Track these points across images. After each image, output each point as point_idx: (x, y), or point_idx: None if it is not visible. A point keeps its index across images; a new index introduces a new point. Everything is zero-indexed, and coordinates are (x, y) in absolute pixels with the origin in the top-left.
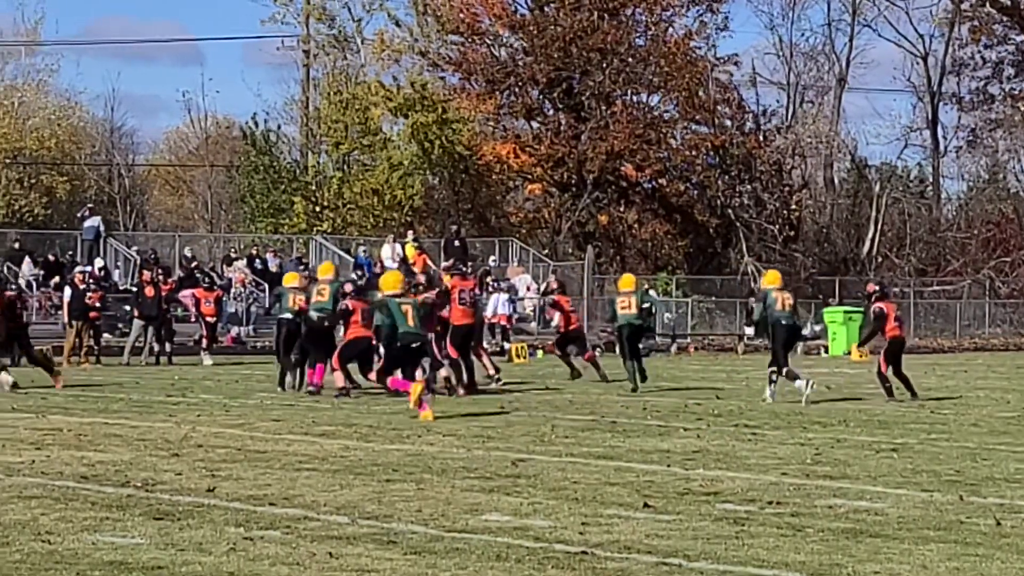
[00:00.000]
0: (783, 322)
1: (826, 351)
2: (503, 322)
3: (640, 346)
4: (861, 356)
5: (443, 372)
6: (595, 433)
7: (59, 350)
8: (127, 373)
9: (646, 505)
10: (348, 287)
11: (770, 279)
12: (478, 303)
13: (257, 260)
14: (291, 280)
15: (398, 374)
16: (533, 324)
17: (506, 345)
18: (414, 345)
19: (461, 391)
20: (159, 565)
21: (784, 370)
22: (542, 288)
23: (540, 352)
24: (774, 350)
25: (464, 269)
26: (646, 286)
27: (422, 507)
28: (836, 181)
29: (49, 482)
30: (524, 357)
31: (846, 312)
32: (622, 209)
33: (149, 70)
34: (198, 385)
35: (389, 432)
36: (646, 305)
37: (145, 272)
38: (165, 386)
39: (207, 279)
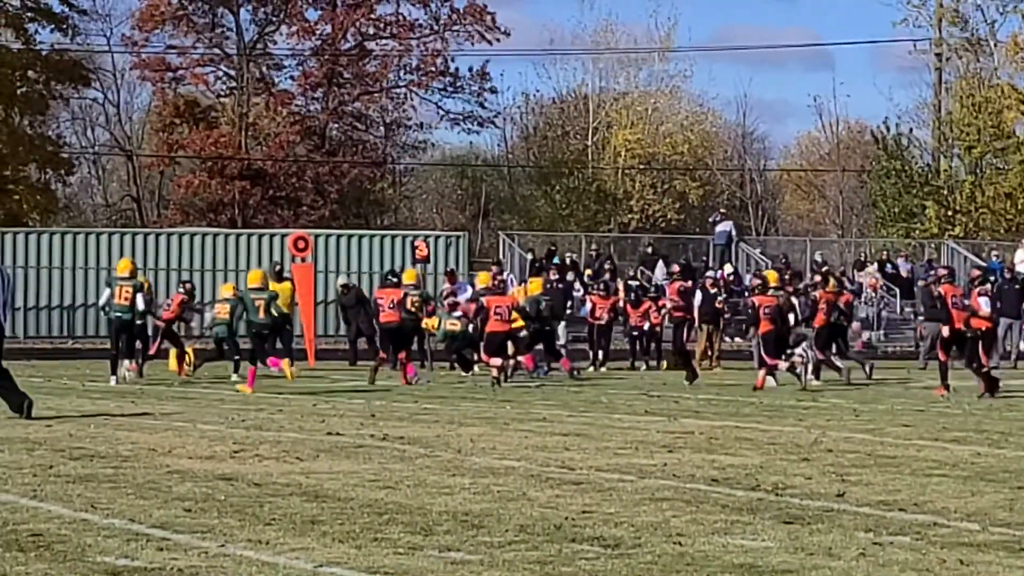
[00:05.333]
0: None
1: None
2: None
3: None
4: None
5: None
6: None
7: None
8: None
9: None
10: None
11: None
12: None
13: (888, 265)
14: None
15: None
16: None
17: None
18: (264, 332)
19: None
20: (789, 569)
21: None
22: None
23: None
24: None
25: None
26: None
27: None
28: None
29: (680, 484)
30: None
31: None
32: None
33: (779, 75)
34: (827, 389)
35: (1022, 438)
36: None
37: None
38: (793, 390)
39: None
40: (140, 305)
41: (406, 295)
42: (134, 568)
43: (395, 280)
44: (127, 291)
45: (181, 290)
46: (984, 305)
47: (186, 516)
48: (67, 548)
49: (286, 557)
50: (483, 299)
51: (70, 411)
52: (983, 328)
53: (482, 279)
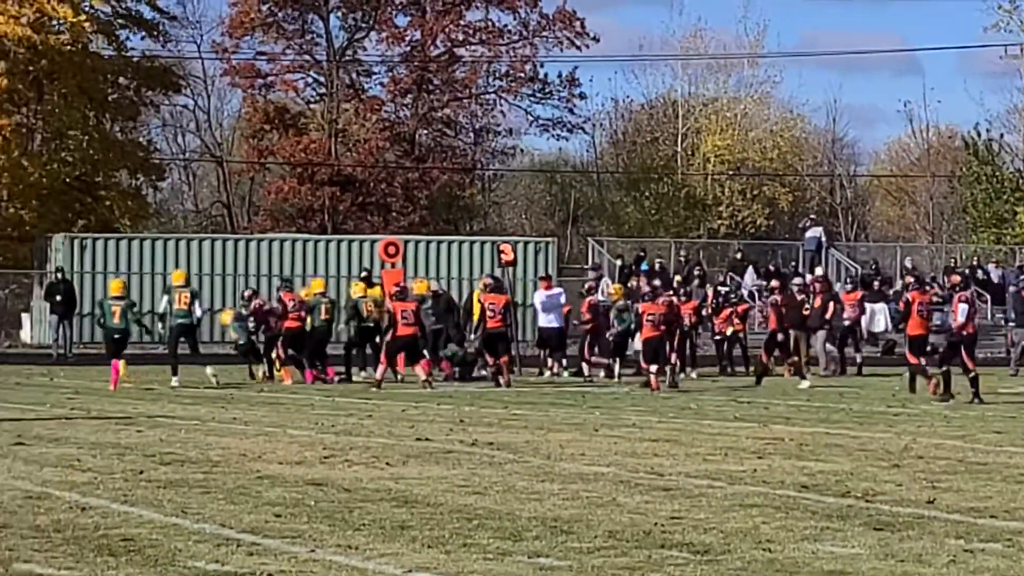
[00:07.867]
0: None
1: None
2: None
3: None
4: None
5: None
6: None
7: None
8: (848, 384)
9: None
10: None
11: None
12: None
13: (979, 271)
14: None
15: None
16: None
17: None
18: (116, 336)
19: None
20: None
21: None
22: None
23: None
24: None
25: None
26: None
27: None
28: None
29: (770, 491)
30: None
31: None
32: None
33: (868, 81)
34: (919, 396)
35: None
36: None
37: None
38: (885, 396)
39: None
40: (198, 312)
41: (510, 302)
42: (224, 573)
43: (499, 285)
44: (185, 296)
45: (287, 287)
46: (961, 312)
47: (276, 521)
48: (158, 553)
49: (375, 562)
50: (391, 303)
51: (161, 416)
52: (965, 333)
53: (316, 285)
